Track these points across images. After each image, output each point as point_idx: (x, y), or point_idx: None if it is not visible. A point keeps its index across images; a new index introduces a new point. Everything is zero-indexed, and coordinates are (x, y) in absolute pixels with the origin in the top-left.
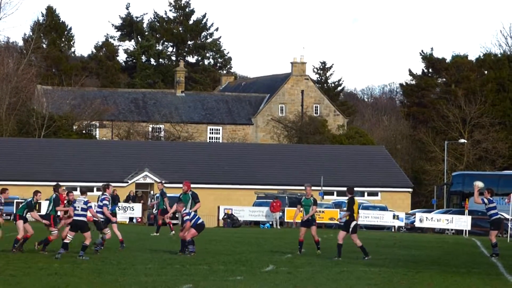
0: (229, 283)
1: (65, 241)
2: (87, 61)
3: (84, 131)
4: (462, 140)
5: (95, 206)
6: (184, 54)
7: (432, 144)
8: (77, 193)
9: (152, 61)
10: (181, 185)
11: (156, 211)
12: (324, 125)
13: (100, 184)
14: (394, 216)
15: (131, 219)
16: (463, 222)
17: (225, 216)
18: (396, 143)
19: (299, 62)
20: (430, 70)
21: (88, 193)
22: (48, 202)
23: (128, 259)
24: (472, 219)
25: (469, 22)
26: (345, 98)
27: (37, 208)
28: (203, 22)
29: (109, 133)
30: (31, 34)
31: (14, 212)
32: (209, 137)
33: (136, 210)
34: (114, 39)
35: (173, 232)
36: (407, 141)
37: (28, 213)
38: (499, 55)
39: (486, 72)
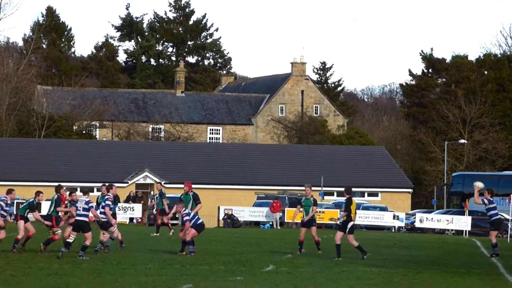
0: (229, 283)
1: (67, 240)
2: (87, 61)
3: (84, 132)
4: (462, 141)
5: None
6: (184, 54)
7: (432, 145)
8: (79, 193)
9: (152, 61)
10: (181, 186)
11: (155, 211)
12: (324, 125)
13: (100, 184)
14: (394, 217)
15: (131, 219)
16: (463, 223)
17: (225, 217)
18: (396, 143)
19: (299, 62)
20: (430, 70)
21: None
22: (50, 202)
23: (128, 259)
24: (472, 220)
25: (469, 22)
26: (345, 98)
27: (38, 209)
28: (203, 23)
29: (109, 134)
30: (31, 34)
31: (15, 212)
32: (209, 138)
33: (136, 210)
34: (114, 40)
35: (172, 231)
36: (407, 141)
37: (30, 213)
38: (499, 55)
39: (486, 72)
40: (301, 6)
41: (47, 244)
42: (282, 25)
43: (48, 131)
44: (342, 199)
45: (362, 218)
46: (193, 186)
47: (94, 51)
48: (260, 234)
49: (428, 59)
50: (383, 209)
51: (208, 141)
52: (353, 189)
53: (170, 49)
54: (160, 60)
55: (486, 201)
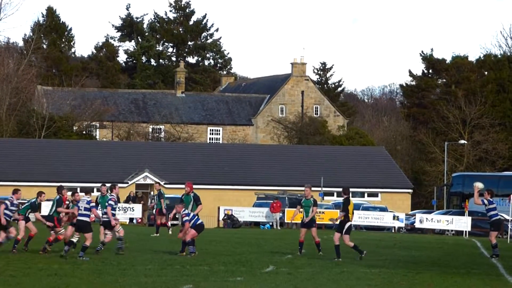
0: (229, 284)
1: (71, 239)
2: (87, 61)
3: (84, 132)
4: (462, 141)
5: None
6: (184, 54)
7: (432, 145)
8: (81, 193)
9: (152, 61)
10: (180, 186)
11: (155, 212)
12: (324, 126)
13: (99, 184)
14: (394, 217)
15: (131, 219)
16: (463, 223)
17: (225, 217)
18: (396, 144)
19: (299, 62)
20: (430, 71)
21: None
22: (50, 203)
23: (128, 260)
24: (472, 220)
25: (469, 23)
26: (345, 99)
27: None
28: (203, 23)
29: (109, 134)
30: (31, 34)
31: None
32: (209, 138)
33: (136, 210)
34: (114, 40)
35: (170, 229)
36: (407, 142)
37: (32, 213)
38: (499, 56)
39: (486, 73)
40: (301, 6)
41: (53, 243)
42: (282, 26)
43: (48, 132)
44: (342, 199)
45: (362, 218)
46: (193, 186)
47: (95, 51)
48: (260, 234)
49: (428, 60)
50: (383, 209)
51: (208, 141)
52: (353, 190)
53: (170, 50)
54: (160, 60)
55: (486, 201)
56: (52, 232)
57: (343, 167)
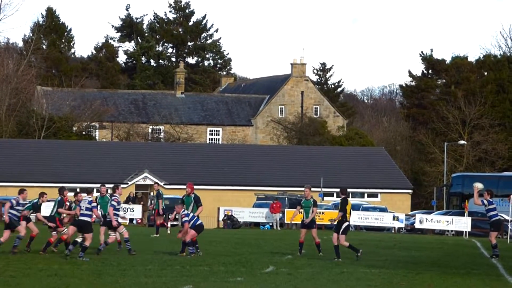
0: (229, 284)
1: (76, 239)
2: (87, 62)
3: (84, 132)
4: (462, 142)
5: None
6: (184, 55)
7: (431, 146)
8: (83, 193)
9: (152, 62)
10: (180, 186)
11: (154, 212)
12: (324, 126)
13: (99, 185)
14: (394, 218)
15: (131, 220)
16: (463, 224)
17: (225, 217)
18: (396, 144)
19: (299, 63)
20: (430, 71)
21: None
22: (50, 204)
23: (128, 260)
24: (472, 221)
25: (469, 23)
26: (345, 99)
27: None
28: (203, 23)
29: (109, 134)
30: (31, 35)
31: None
32: (209, 138)
33: (136, 211)
34: (114, 40)
35: (169, 228)
36: (407, 142)
37: (33, 214)
38: (499, 56)
39: (486, 73)
40: (301, 6)
41: (56, 244)
42: (282, 26)
43: (48, 132)
44: (339, 199)
45: (362, 219)
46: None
47: (94, 52)
48: (260, 235)
49: (428, 60)
50: (383, 210)
51: (207, 142)
52: (353, 190)
53: (170, 50)
54: (160, 61)
55: (485, 202)
56: (53, 233)
57: (343, 168)
